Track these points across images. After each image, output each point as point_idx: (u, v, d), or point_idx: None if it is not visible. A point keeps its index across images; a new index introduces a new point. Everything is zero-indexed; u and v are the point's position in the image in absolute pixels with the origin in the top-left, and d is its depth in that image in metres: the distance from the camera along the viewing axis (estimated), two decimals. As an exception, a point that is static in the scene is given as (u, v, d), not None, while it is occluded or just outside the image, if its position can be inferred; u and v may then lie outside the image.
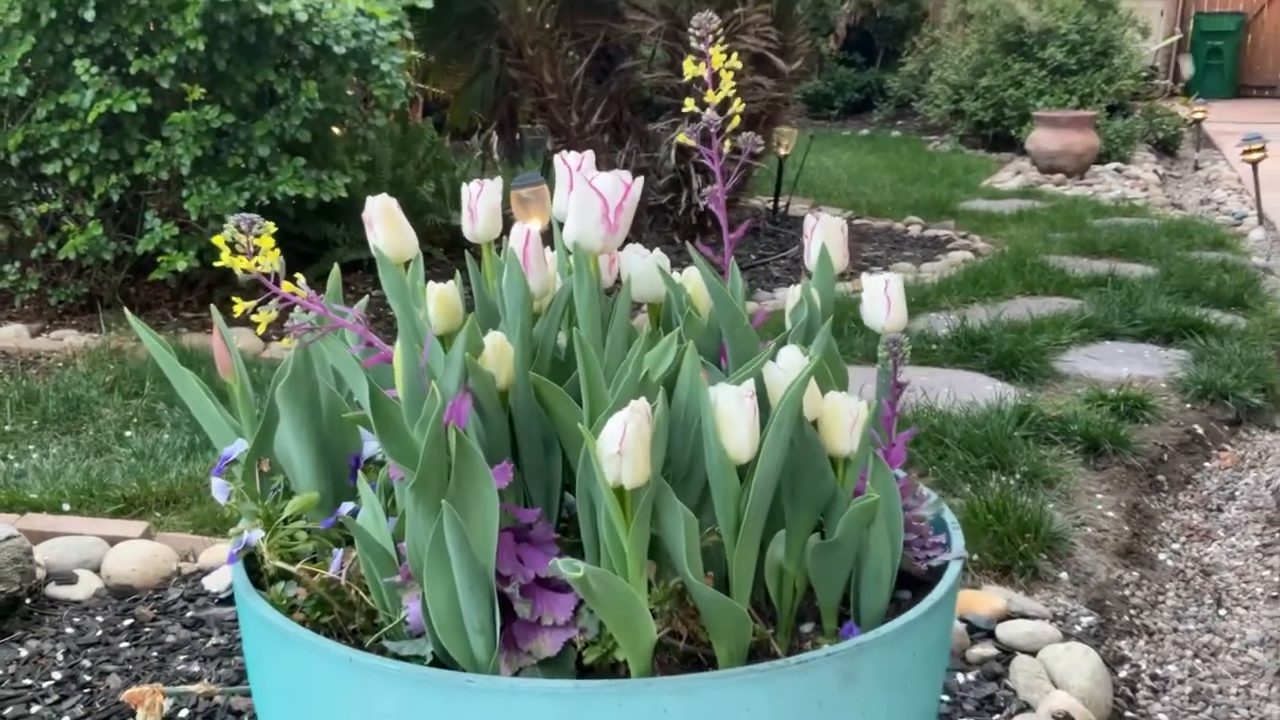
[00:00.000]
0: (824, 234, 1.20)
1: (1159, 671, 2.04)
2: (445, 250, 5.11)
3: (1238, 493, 2.91)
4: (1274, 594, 2.34)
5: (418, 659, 0.90)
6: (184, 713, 1.63)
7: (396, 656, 0.91)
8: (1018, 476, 2.66)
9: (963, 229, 5.92)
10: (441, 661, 0.89)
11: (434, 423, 0.82)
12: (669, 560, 0.88)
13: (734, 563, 0.88)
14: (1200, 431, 3.18)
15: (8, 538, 1.96)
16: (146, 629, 1.95)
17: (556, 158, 1.17)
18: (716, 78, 1.26)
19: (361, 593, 0.97)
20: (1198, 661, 2.10)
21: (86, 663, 1.84)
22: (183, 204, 3.63)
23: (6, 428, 2.90)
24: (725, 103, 1.27)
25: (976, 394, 3.25)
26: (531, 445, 0.99)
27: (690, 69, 1.26)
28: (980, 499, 2.37)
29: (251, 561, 1.01)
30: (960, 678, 1.85)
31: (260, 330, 0.96)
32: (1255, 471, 3.04)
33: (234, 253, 0.87)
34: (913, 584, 1.06)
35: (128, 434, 2.87)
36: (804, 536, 0.96)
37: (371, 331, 1.07)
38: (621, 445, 0.79)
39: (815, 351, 0.99)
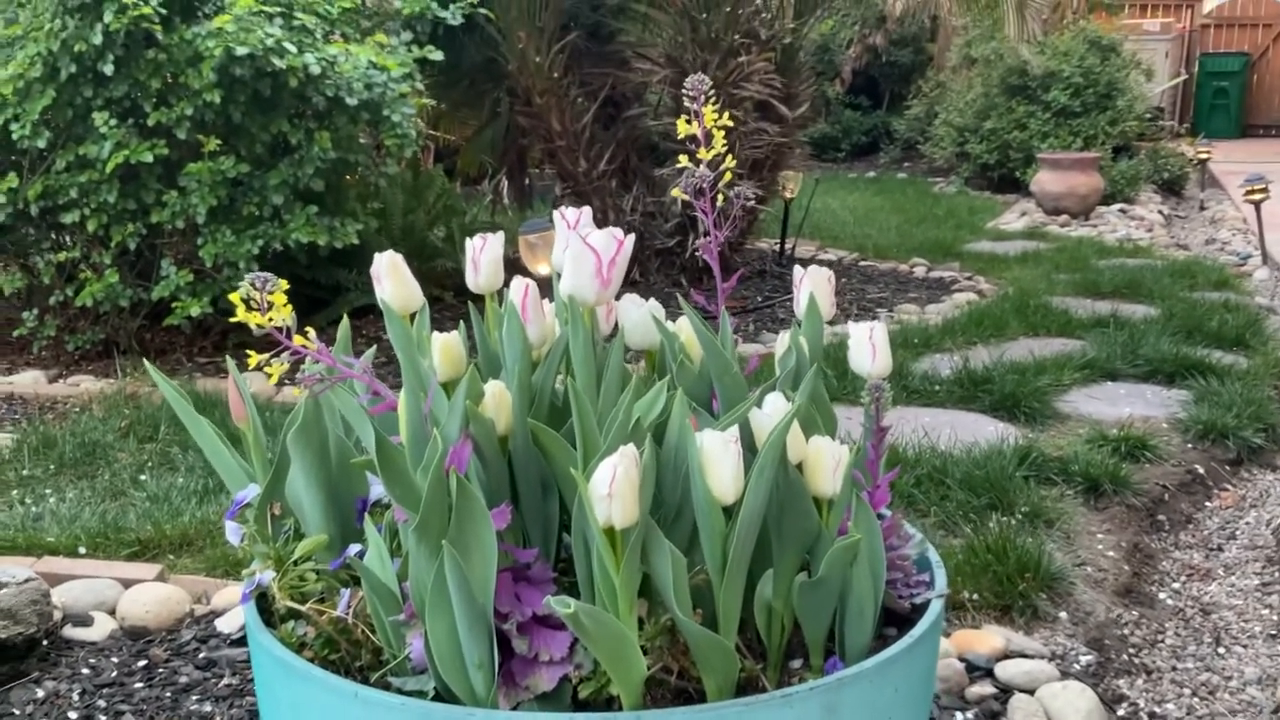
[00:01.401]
0: (812, 284, 1.25)
1: (1157, 710, 2.06)
2: (455, 294, 5.18)
3: (1238, 532, 2.93)
4: (1273, 632, 2.36)
5: (420, 694, 0.94)
6: (196, 752, 1.67)
7: (400, 692, 0.95)
8: (1018, 516, 2.69)
9: (968, 270, 5.97)
10: (443, 696, 0.93)
11: (435, 468, 0.87)
12: (659, 598, 0.92)
13: (721, 600, 0.92)
14: (1201, 471, 3.21)
15: (26, 580, 2.01)
16: (160, 670, 1.99)
17: (555, 213, 1.23)
18: (709, 135, 1.31)
19: (368, 631, 1.01)
20: (1196, 700, 2.12)
21: (102, 703, 1.88)
22: (198, 251, 3.71)
23: (24, 472, 2.96)
24: (717, 159, 1.33)
25: (979, 434, 3.29)
26: (530, 488, 1.04)
27: (683, 128, 1.32)
28: (980, 539, 2.40)
29: (263, 600, 1.06)
30: (959, 716, 1.87)
31: (273, 381, 1.01)
32: (1256, 510, 3.06)
33: (249, 309, 0.93)
34: (898, 621, 1.10)
35: (143, 478, 2.92)
36: (790, 575, 1.00)
37: (379, 379, 1.13)
38: (611, 488, 0.83)
39: (800, 397, 1.03)
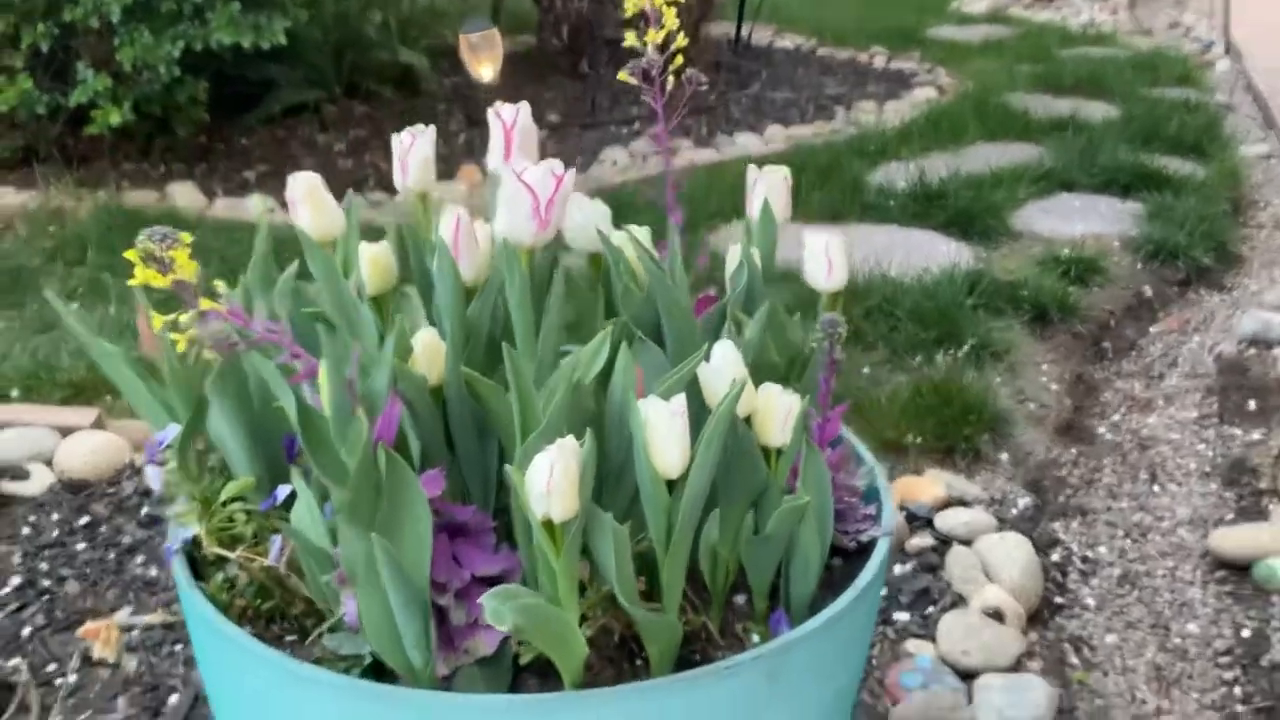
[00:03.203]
0: (767, 187, 1.18)
1: (1090, 554, 2.13)
2: (394, 87, 4.96)
3: (1180, 359, 2.97)
4: (1206, 469, 2.42)
5: (356, 658, 0.92)
6: (136, 633, 1.67)
7: (336, 656, 0.93)
8: (966, 349, 2.69)
9: (928, 61, 5.79)
10: (379, 661, 0.91)
11: (363, 452, 0.82)
12: (601, 574, 0.90)
13: (665, 570, 0.90)
14: (1149, 294, 3.22)
15: (-46, 440, 1.95)
16: (102, 528, 1.97)
17: (490, 111, 1.13)
18: (659, 15, 1.20)
19: (300, 582, 0.98)
20: (1128, 542, 2.18)
21: (44, 566, 1.86)
22: (115, 54, 3.47)
23: (-54, 301, 2.85)
24: (669, 36, 1.23)
25: (931, 256, 3.26)
26: (465, 433, 0.99)
27: (632, 5, 1.21)
28: (927, 382, 2.40)
29: (193, 543, 1.02)
30: (898, 569, 1.91)
31: (180, 348, 0.94)
32: (1199, 335, 3.09)
33: (149, 266, 0.84)
34: (844, 553, 1.08)
35: (73, 306, 2.82)
36: (737, 524, 0.98)
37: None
38: (549, 485, 0.79)
39: (750, 340, 0.98)
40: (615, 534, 0.83)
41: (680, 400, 0.86)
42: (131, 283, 0.86)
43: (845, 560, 1.08)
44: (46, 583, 1.83)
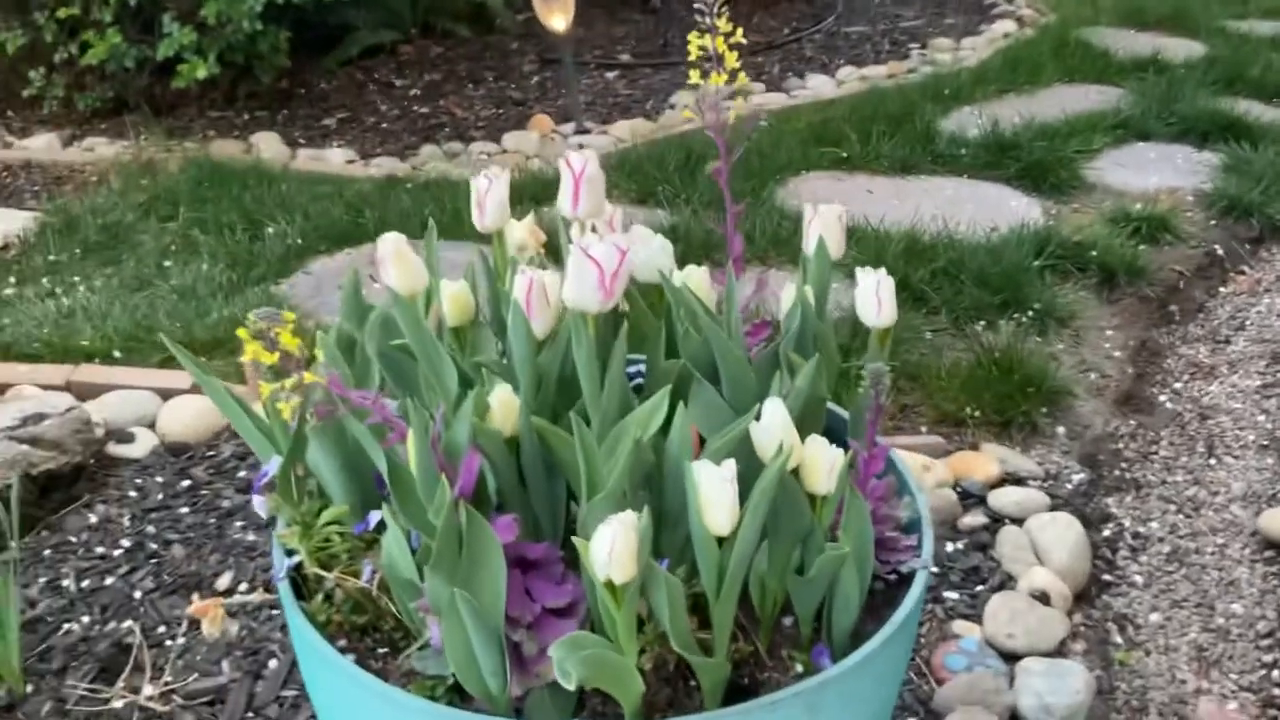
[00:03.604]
0: (822, 225, 1.24)
1: (1141, 529, 2.18)
2: (468, 24, 5.00)
3: (1248, 322, 2.97)
4: (1264, 442, 2.45)
5: (440, 678, 1.04)
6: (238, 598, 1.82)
7: (423, 675, 1.04)
8: (1030, 315, 2.73)
9: (1007, -13, 5.65)
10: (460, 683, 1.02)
11: (446, 514, 0.92)
12: (658, 621, 1.00)
13: (715, 614, 0.99)
14: (1220, 252, 3.20)
15: (68, 410, 2.11)
16: (203, 492, 2.12)
17: (560, 161, 1.21)
18: (722, 57, 1.26)
19: (390, 603, 1.10)
20: (1180, 517, 2.23)
21: (151, 529, 2.02)
22: (199, 8, 3.57)
23: (51, 258, 3.01)
24: (731, 75, 1.29)
25: (1000, 211, 3.27)
26: (537, 474, 1.08)
27: (695, 46, 1.27)
28: (988, 354, 2.45)
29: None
30: (950, 547, 1.99)
31: (285, 416, 1.04)
32: (1270, 297, 3.08)
33: (259, 342, 0.94)
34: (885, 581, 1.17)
35: (167, 264, 2.97)
36: (784, 560, 1.07)
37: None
38: (610, 555, 0.89)
39: (796, 395, 1.06)
40: (670, 589, 0.92)
41: (730, 466, 0.94)
42: (244, 359, 0.96)
43: (888, 586, 1.16)
44: (154, 546, 1.98)
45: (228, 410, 1.17)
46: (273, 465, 1.12)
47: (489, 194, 1.22)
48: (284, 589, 1.09)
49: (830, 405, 1.28)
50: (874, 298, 1.20)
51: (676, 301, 1.15)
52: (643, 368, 1.28)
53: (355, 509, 1.13)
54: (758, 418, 1.03)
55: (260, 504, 1.13)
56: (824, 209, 1.24)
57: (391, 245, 1.07)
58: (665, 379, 1.13)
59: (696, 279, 1.19)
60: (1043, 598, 1.85)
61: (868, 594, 1.12)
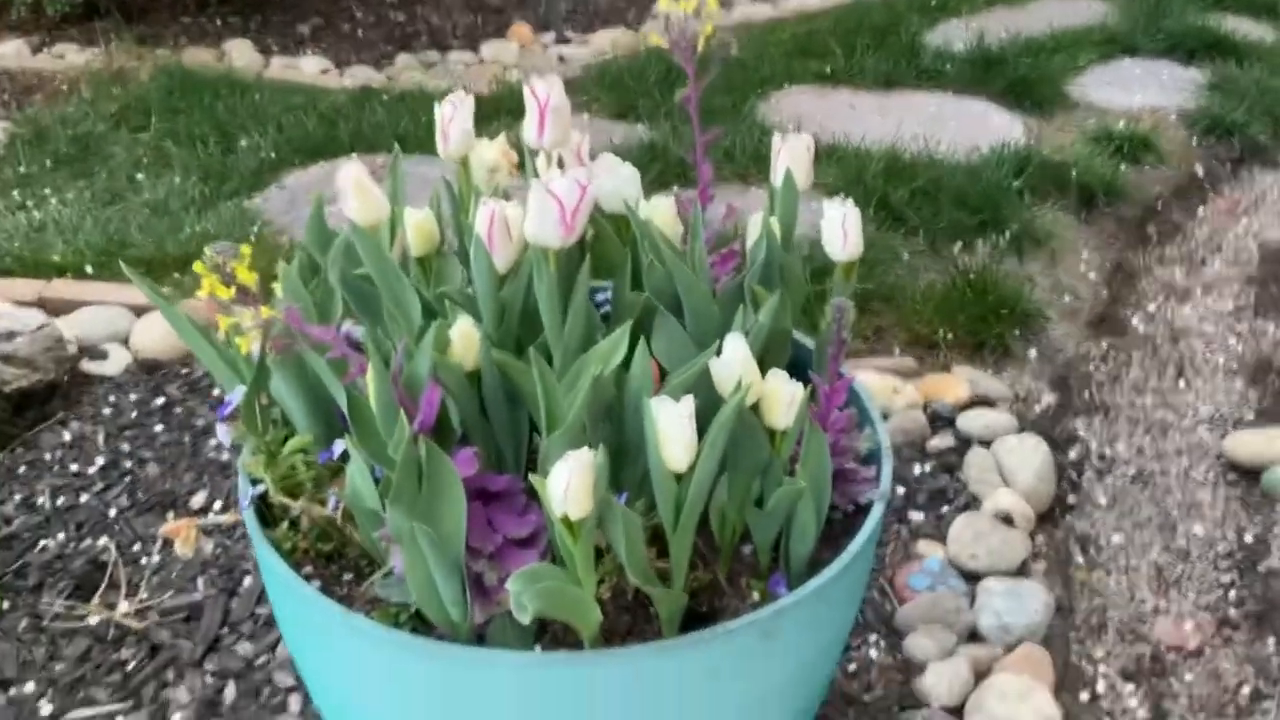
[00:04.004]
0: (790, 156, 1.23)
1: (1108, 451, 2.21)
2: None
3: (1225, 244, 2.97)
4: (1234, 366, 2.47)
5: (404, 606, 1.06)
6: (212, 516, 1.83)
7: (387, 602, 1.06)
8: (1008, 235, 2.73)
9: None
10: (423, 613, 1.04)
11: (404, 449, 0.92)
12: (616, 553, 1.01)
13: (674, 547, 1.01)
14: (1201, 173, 3.20)
15: (39, 327, 2.10)
16: (177, 409, 2.12)
17: (525, 88, 1.19)
18: (691, -17, 1.24)
19: (355, 530, 1.11)
20: (1147, 440, 2.26)
21: (125, 447, 2.03)
22: (168, -91, 3.48)
23: (21, 170, 2.97)
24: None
25: (983, 129, 3.25)
26: (499, 406, 1.09)
27: (663, -24, 1.24)
28: (963, 276, 2.45)
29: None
30: (917, 468, 2.02)
31: (244, 350, 1.04)
32: (1247, 218, 3.08)
33: (214, 278, 0.94)
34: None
35: (139, 177, 2.93)
36: (743, 491, 1.08)
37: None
38: (566, 491, 0.90)
39: (760, 327, 1.06)
40: (627, 523, 0.94)
41: (688, 403, 0.95)
42: (199, 294, 0.95)
43: (847, 516, 1.18)
44: (128, 464, 1.99)
45: (189, 339, 1.17)
46: (236, 395, 1.12)
47: (453, 121, 1.20)
48: (249, 516, 1.10)
49: (797, 336, 1.29)
50: (840, 230, 1.19)
51: (641, 233, 1.14)
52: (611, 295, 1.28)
53: (320, 438, 1.14)
54: (719, 353, 1.04)
55: (224, 433, 1.14)
56: (791, 139, 1.23)
57: (351, 175, 1.06)
58: (629, 311, 1.13)
59: (663, 210, 1.19)
60: (1006, 519, 1.88)
61: (826, 524, 1.14)
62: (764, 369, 1.11)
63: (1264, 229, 3.00)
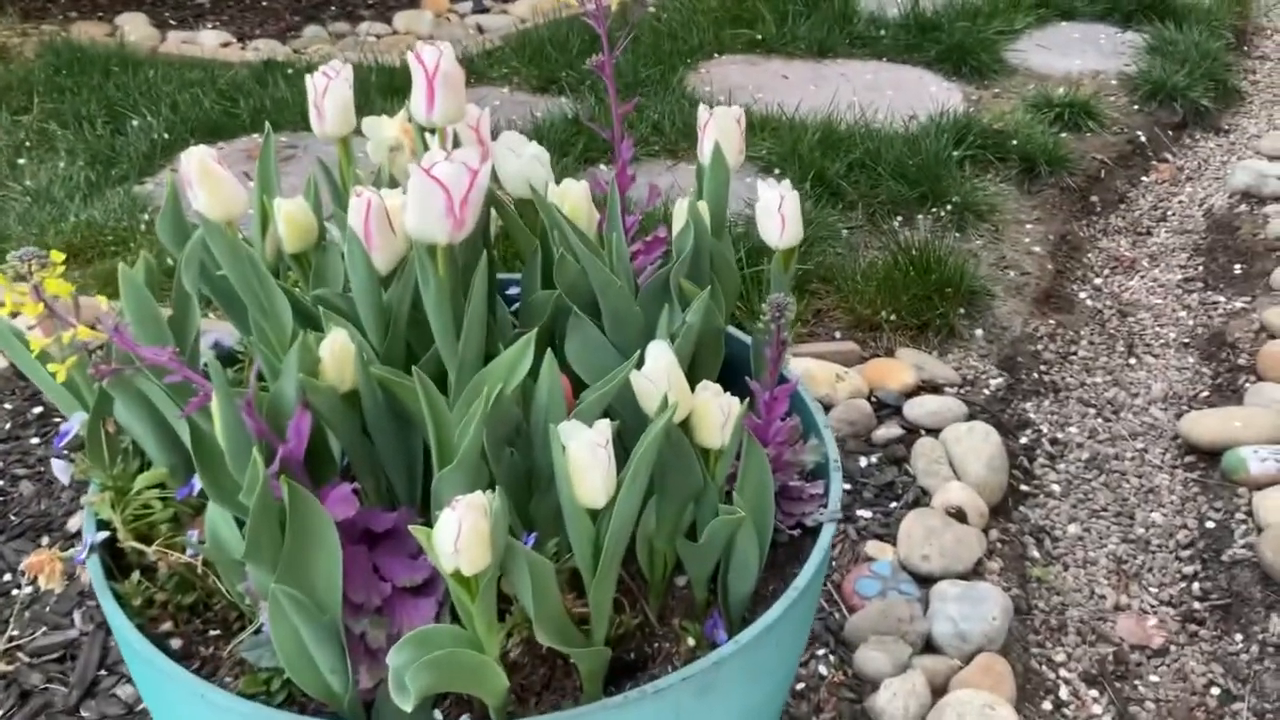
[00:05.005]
0: (719, 129, 1.08)
1: (1060, 435, 2.10)
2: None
3: (1170, 212, 2.88)
4: (1185, 340, 2.38)
5: (277, 671, 0.89)
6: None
7: (256, 670, 0.90)
8: (949, 208, 2.61)
9: None
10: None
11: (259, 494, 0.76)
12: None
13: (593, 596, 0.86)
14: (1143, 139, 3.10)
15: (-105, 333, 1.89)
16: (55, 418, 1.93)
17: (409, 54, 1.03)
18: (600, -68, 1.09)
19: (218, 580, 0.95)
20: (1099, 421, 2.16)
21: (-2, 463, 1.84)
22: (49, -128, 3.22)
23: (-111, 156, 2.73)
24: (612, -47, 1.11)
25: (920, 98, 3.13)
26: (385, 430, 0.93)
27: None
28: (905, 254, 2.33)
29: (109, 531, 0.98)
30: (863, 461, 1.89)
31: (60, 378, 0.86)
32: (1192, 185, 3.00)
33: (16, 291, 0.77)
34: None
35: (20, 162, 2.71)
36: (673, 520, 0.94)
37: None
38: (456, 543, 0.74)
39: (686, 328, 0.91)
40: (535, 571, 0.79)
41: (604, 429, 0.80)
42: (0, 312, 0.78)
43: (791, 539, 1.04)
44: (0, 483, 1.80)
45: (20, 359, 0.99)
46: (74, 423, 0.95)
47: (327, 95, 1.03)
48: (93, 566, 0.93)
49: (730, 330, 1.14)
50: (776, 215, 1.05)
51: (550, 223, 0.99)
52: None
53: (177, 470, 0.97)
54: (640, 364, 0.89)
55: (61, 469, 0.96)
56: (720, 111, 1.08)
57: (196, 162, 0.89)
58: (539, 312, 0.97)
59: (575, 195, 1.03)
60: (958, 514, 1.77)
61: (769, 548, 1.00)
62: (696, 373, 0.97)
63: (1208, 196, 2.92)
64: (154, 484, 0.96)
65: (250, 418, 0.79)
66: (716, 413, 0.88)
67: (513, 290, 1.15)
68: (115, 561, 0.99)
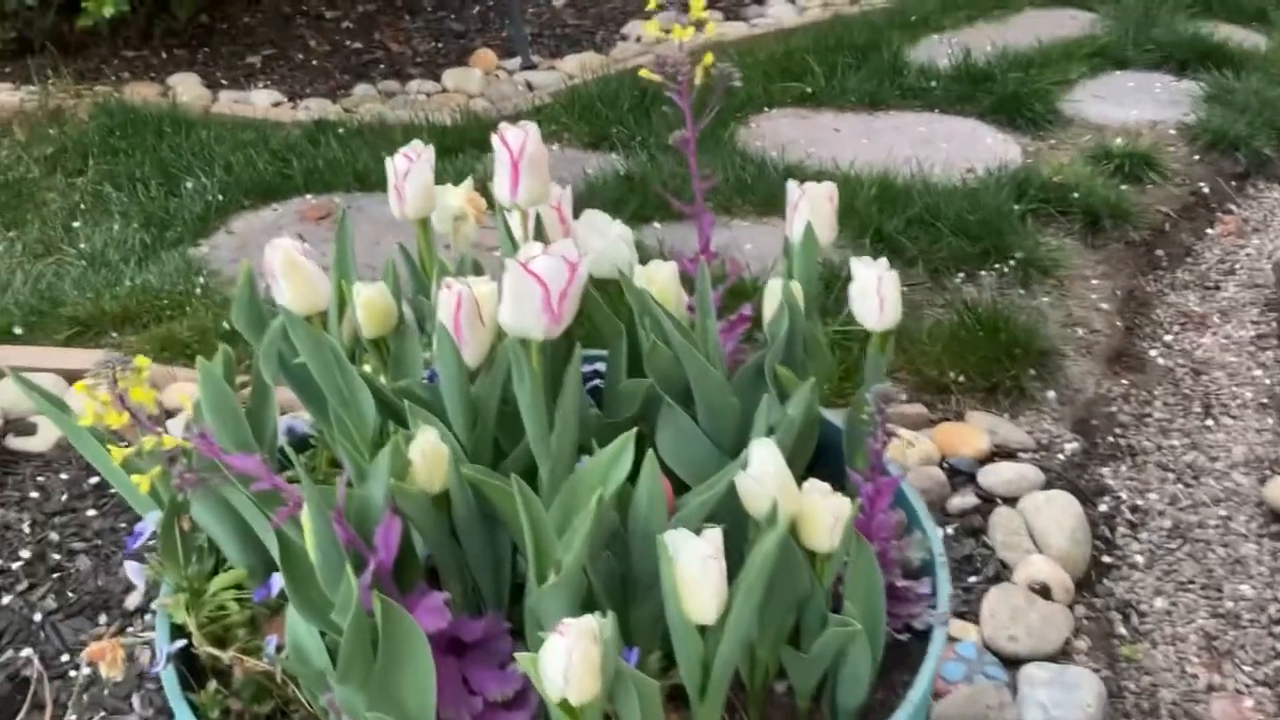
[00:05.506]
0: (811, 207, 1.04)
1: (1140, 502, 2.03)
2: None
3: (1238, 265, 2.81)
4: (1263, 400, 2.30)
5: (364, 790, 0.85)
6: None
7: (340, 786, 0.85)
8: (1012, 264, 2.55)
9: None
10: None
11: (354, 615, 0.72)
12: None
13: (700, 717, 0.81)
14: (1206, 190, 3.04)
15: (-46, 403, 1.88)
16: (112, 490, 1.90)
17: (494, 136, 0.99)
18: (686, 3, 1.05)
19: (298, 690, 0.90)
20: (1179, 487, 2.08)
21: (54, 536, 1.81)
22: (105, -63, 3.26)
23: (-55, 221, 2.74)
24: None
25: (976, 150, 3.08)
26: (473, 531, 0.89)
27: (653, -6, 1.05)
28: (972, 313, 2.27)
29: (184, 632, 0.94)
30: (939, 533, 1.82)
31: (144, 489, 0.83)
32: (1258, 237, 2.92)
33: (98, 401, 0.73)
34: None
35: (75, 225, 2.71)
36: (776, 629, 0.89)
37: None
38: (565, 673, 0.69)
39: (789, 428, 0.86)
40: (642, 695, 0.74)
41: (715, 539, 0.75)
42: (82, 423, 0.74)
43: (896, 642, 0.99)
44: (57, 557, 1.77)
45: (92, 454, 0.96)
46: (148, 523, 0.91)
47: (409, 178, 1.00)
48: (168, 678, 0.89)
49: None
50: (874, 296, 1.00)
51: (640, 308, 0.95)
52: (601, 367, 1.08)
53: (255, 571, 0.93)
54: (737, 457, 0.84)
55: (135, 572, 0.93)
56: (811, 187, 1.04)
57: (282, 255, 0.86)
58: (628, 402, 0.93)
59: (663, 277, 0.99)
60: (1043, 590, 1.70)
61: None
62: (792, 467, 0.92)
63: (1277, 249, 2.84)
64: (231, 585, 0.92)
65: (340, 527, 0.75)
66: (826, 515, 0.83)
67: (588, 368, 1.10)
68: (187, 664, 0.94)
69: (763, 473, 0.81)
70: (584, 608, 0.76)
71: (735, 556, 0.82)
